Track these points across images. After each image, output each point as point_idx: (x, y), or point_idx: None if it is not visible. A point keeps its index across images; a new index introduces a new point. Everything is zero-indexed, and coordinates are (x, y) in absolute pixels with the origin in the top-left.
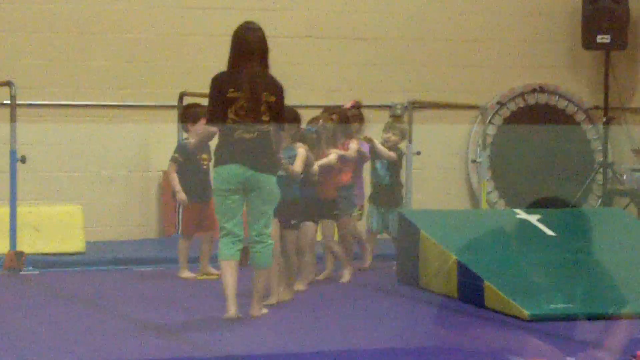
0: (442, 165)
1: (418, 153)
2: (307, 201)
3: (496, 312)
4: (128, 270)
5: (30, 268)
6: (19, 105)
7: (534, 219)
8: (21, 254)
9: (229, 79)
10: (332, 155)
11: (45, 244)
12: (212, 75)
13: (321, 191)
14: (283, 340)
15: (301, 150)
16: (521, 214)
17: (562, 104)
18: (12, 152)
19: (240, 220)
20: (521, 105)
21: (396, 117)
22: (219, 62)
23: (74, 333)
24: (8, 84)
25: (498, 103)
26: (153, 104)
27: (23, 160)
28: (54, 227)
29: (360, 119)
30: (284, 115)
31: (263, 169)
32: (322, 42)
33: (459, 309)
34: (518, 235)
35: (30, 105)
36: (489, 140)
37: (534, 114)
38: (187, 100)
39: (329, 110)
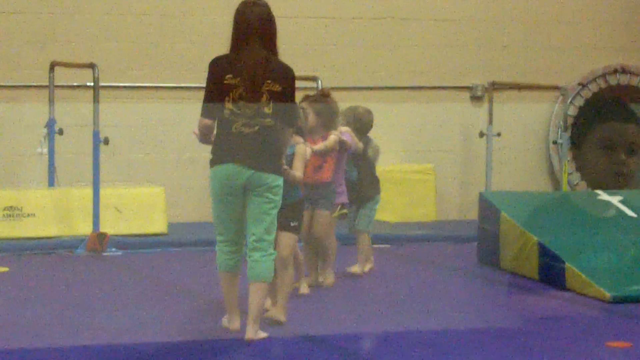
0: (523, 147)
1: (498, 134)
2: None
3: (577, 293)
4: (210, 251)
5: (113, 249)
6: (102, 87)
7: (615, 200)
8: (104, 235)
9: (227, 64)
10: (307, 150)
11: (127, 226)
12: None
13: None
14: (363, 320)
15: (300, 148)
16: (602, 196)
17: None
18: (95, 134)
19: (240, 227)
20: (602, 86)
21: (476, 98)
22: (301, 44)
23: (154, 313)
24: (91, 66)
25: (579, 84)
26: None
27: (106, 141)
28: (137, 208)
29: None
30: (294, 108)
31: (266, 169)
32: (402, 24)
33: (540, 291)
34: (600, 217)
35: (113, 87)
36: (570, 121)
37: (616, 94)
38: None
39: (309, 98)
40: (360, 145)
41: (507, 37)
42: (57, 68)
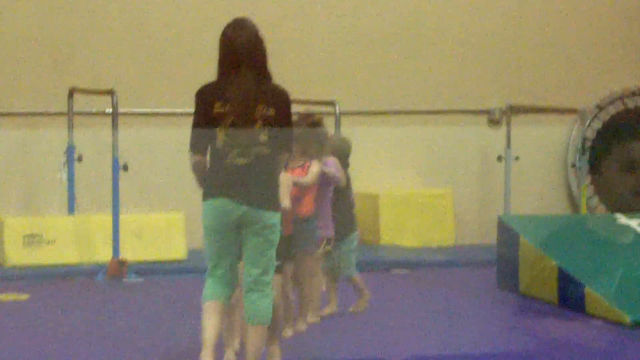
0: (541, 170)
1: (517, 158)
2: None
3: (597, 317)
4: None
5: (133, 275)
6: (121, 113)
7: (635, 223)
8: (124, 261)
9: (215, 91)
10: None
11: (147, 252)
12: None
13: None
14: (382, 345)
15: (283, 177)
16: (622, 219)
17: None
18: (115, 160)
19: (234, 264)
20: (620, 108)
21: (494, 122)
22: (319, 68)
23: (175, 339)
24: (110, 92)
25: (597, 107)
26: None
27: (125, 168)
28: (156, 234)
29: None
30: (290, 133)
31: (262, 205)
32: (419, 47)
33: (559, 315)
34: (619, 241)
35: (132, 113)
36: (588, 144)
37: (634, 117)
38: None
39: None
40: (344, 181)
41: (524, 59)
42: (76, 94)
